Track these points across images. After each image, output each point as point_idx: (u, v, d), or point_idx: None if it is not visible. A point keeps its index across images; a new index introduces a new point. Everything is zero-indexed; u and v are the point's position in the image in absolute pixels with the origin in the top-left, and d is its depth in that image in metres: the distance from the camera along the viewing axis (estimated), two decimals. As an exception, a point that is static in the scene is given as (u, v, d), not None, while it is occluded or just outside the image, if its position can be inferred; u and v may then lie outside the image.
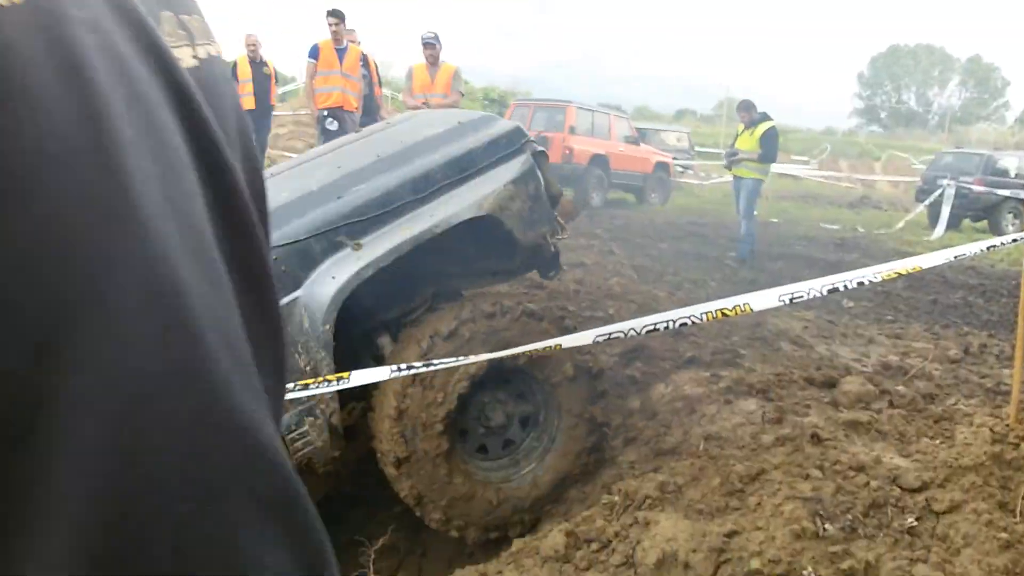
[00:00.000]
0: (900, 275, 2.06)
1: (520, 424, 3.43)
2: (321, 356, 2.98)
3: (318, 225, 3.09)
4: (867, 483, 2.31)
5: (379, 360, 3.41)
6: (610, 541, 2.38)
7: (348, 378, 2.22)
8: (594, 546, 2.38)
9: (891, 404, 2.92)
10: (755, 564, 2.16)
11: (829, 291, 1.82)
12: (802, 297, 1.83)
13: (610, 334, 1.99)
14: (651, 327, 1.93)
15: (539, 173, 3.48)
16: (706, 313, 1.88)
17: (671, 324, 1.94)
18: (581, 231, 10.52)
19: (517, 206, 3.33)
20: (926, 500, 2.27)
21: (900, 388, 3.19)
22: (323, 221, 3.10)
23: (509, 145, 3.45)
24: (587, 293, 5.40)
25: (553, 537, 2.45)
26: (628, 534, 2.38)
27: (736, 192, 9.95)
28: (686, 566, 2.22)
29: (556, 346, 2.18)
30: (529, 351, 2.28)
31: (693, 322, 1.92)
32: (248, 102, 10.80)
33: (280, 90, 16.50)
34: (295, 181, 3.54)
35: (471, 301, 3.35)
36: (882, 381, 3.16)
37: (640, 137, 16.85)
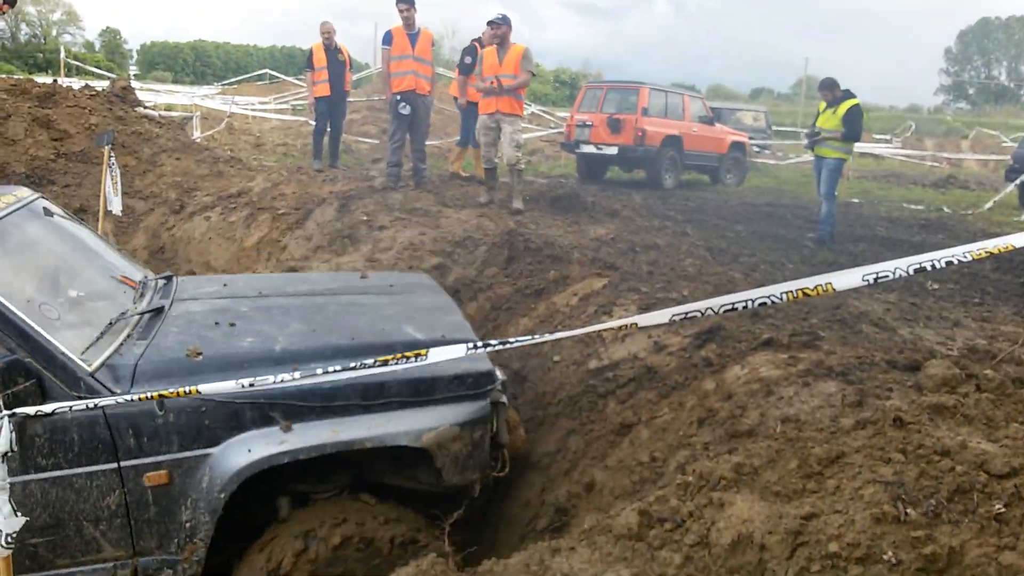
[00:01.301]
0: (990, 254, 1.98)
1: None
2: (204, 520, 2.97)
3: (260, 392, 3.01)
4: (952, 468, 2.24)
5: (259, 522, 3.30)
6: (684, 521, 2.37)
7: (426, 355, 2.27)
8: (667, 525, 2.38)
9: (978, 388, 2.81)
10: (833, 547, 2.13)
11: (916, 270, 1.77)
12: (887, 277, 1.79)
13: (687, 313, 1.98)
14: (729, 306, 1.92)
15: (493, 422, 3.38)
16: (786, 292, 1.85)
17: (750, 303, 1.92)
18: (654, 212, 10.42)
19: (456, 448, 3.23)
20: (1015, 486, 2.20)
21: (988, 372, 3.08)
22: (268, 392, 3.02)
23: (474, 386, 3.34)
24: (660, 275, 5.36)
25: (626, 516, 2.46)
26: (703, 514, 2.37)
27: (817, 172, 9.70)
28: (762, 548, 2.20)
29: (632, 325, 2.18)
30: (606, 328, 2.28)
31: (772, 302, 1.89)
32: (324, 89, 11.01)
33: (354, 76, 16.75)
34: (268, 323, 3.55)
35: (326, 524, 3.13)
36: (969, 365, 3.04)
37: (715, 117, 16.52)
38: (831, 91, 9.24)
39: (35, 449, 2.79)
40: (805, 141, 10.35)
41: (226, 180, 10.02)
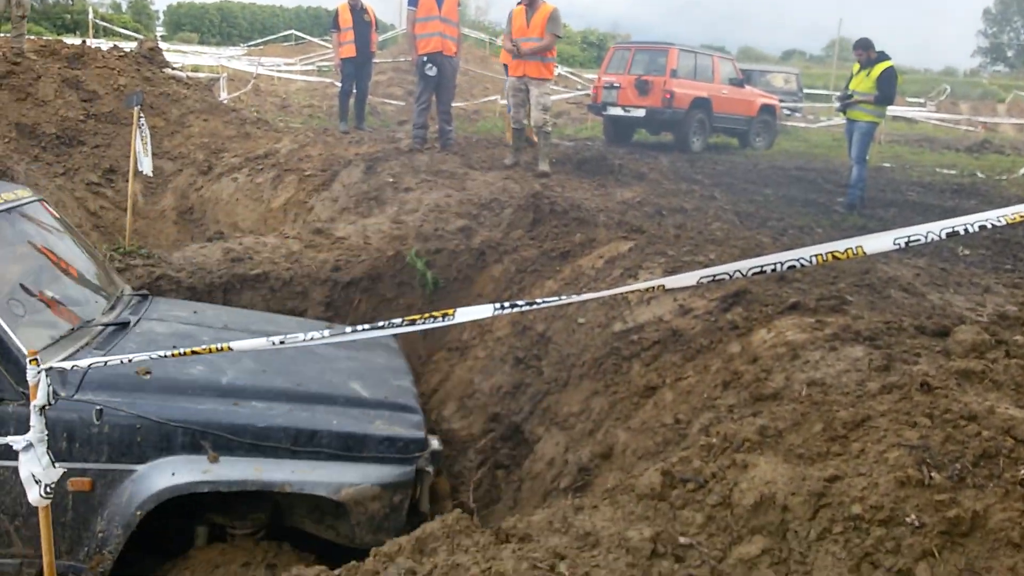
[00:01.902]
0: (1025, 219, 1.96)
1: None
2: (116, 534, 3.02)
3: (195, 420, 3.09)
4: (979, 433, 2.23)
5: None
6: (707, 482, 2.39)
7: (453, 315, 2.29)
8: (690, 486, 2.40)
9: (1007, 354, 2.79)
10: (856, 509, 2.14)
11: (948, 234, 1.75)
12: (919, 240, 1.77)
13: (715, 275, 1.98)
14: (757, 269, 1.91)
15: (416, 489, 3.39)
16: (816, 255, 1.83)
17: (778, 266, 1.91)
18: (682, 176, 10.32)
19: (373, 508, 3.24)
20: (1042, 452, 2.19)
21: (1018, 338, 3.04)
22: (201, 419, 3.10)
23: (403, 451, 3.36)
24: (688, 238, 5.33)
25: (649, 476, 2.48)
26: (725, 475, 2.39)
27: (848, 136, 9.56)
28: (784, 508, 2.21)
29: (661, 287, 2.18)
30: (631, 291, 2.29)
31: (801, 265, 1.88)
32: (349, 50, 10.96)
33: (380, 37, 16.64)
34: (223, 356, 3.52)
35: None
36: (999, 331, 3.01)
37: (745, 79, 16.25)
38: (866, 51, 9.05)
39: None
40: (837, 104, 10.17)
41: (253, 142, 10.06)
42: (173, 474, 3.02)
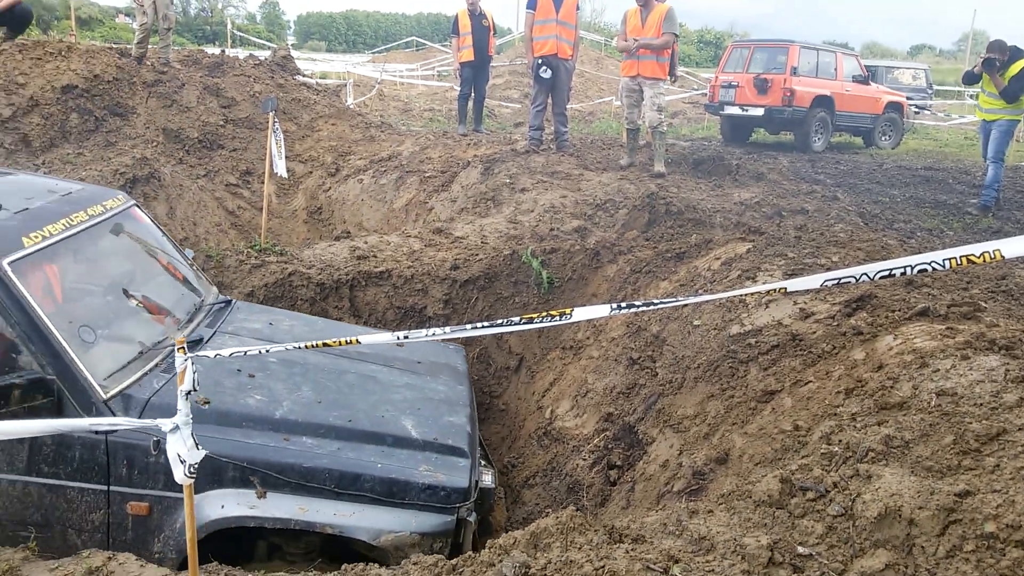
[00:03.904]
0: None
1: None
2: (171, 556, 3.12)
3: (246, 456, 3.16)
4: None
5: None
6: (828, 491, 2.34)
7: (570, 314, 2.33)
8: (810, 495, 2.35)
9: None
10: (990, 527, 2.05)
11: (1096, 238, 1.65)
12: (1063, 245, 1.68)
13: (840, 279, 1.94)
14: (885, 272, 1.85)
15: (459, 535, 3.35)
16: (949, 259, 1.76)
17: (908, 270, 1.85)
18: (802, 176, 10.00)
19: (411, 555, 3.14)
20: None
21: None
22: (252, 456, 3.18)
23: (446, 500, 3.32)
24: (809, 240, 5.18)
25: (767, 483, 2.45)
26: (848, 486, 2.33)
27: (984, 134, 9.04)
28: (911, 523, 2.14)
29: (782, 290, 2.16)
30: (754, 292, 2.27)
31: (932, 269, 1.82)
32: (468, 54, 11.19)
33: (497, 41, 16.89)
34: (281, 381, 3.67)
35: None
36: None
37: (870, 76, 15.58)
38: (1001, 53, 8.50)
39: (41, 456, 3.08)
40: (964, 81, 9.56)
41: (377, 144, 10.42)
42: (222, 507, 3.13)
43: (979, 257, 1.75)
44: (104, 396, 3.12)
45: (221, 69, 11.03)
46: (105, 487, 3.13)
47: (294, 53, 14.51)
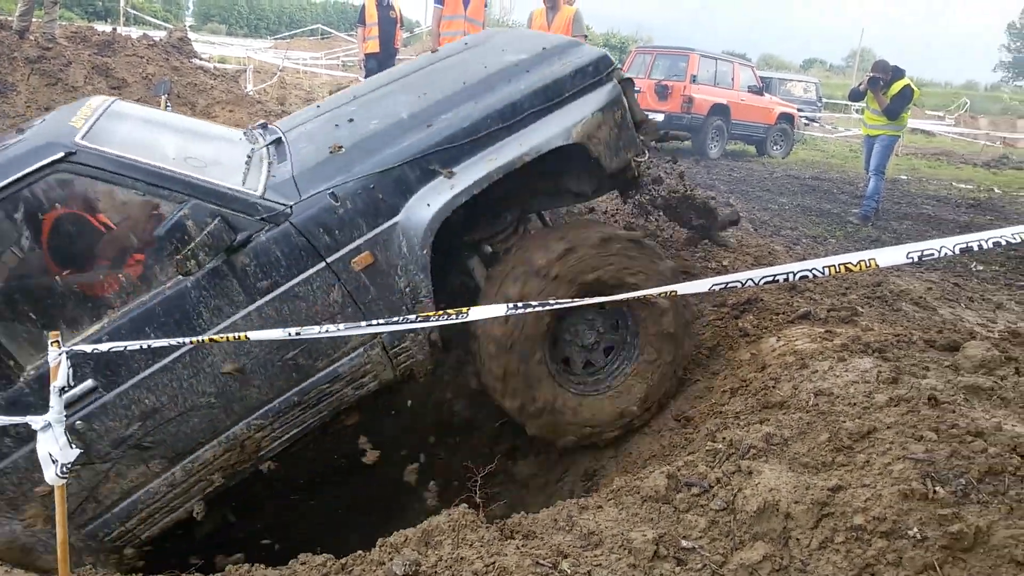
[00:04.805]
0: (1040, 237, 1.96)
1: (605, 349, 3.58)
2: (420, 279, 3.15)
3: (411, 153, 3.17)
4: (985, 449, 2.25)
5: (469, 281, 3.56)
6: (711, 486, 2.42)
7: (467, 312, 2.32)
8: (695, 490, 2.43)
9: (1017, 372, 2.79)
10: (858, 520, 2.16)
11: (962, 250, 1.75)
12: (932, 255, 1.76)
13: (727, 283, 2.00)
14: (770, 278, 1.92)
15: (624, 100, 3.45)
16: (828, 267, 1.84)
17: (791, 276, 1.92)
18: (698, 182, 10.31)
19: (604, 134, 3.33)
20: (1049, 471, 2.20)
21: (1030, 357, 3.05)
22: (416, 149, 3.18)
23: (596, 73, 3.41)
24: (701, 244, 5.34)
25: (654, 479, 2.51)
26: (730, 481, 2.41)
27: (867, 147, 9.54)
28: (787, 516, 2.24)
29: (672, 293, 2.21)
30: (644, 295, 2.31)
31: (814, 275, 1.89)
32: (374, 45, 11.01)
33: (404, 34, 16.71)
34: (381, 107, 3.64)
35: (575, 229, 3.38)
36: (1009, 348, 3.01)
37: (764, 87, 16.23)
38: (884, 73, 9.00)
39: (251, 278, 3.00)
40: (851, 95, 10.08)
41: (275, 133, 10.12)
42: (428, 204, 3.13)
43: (856, 265, 1.83)
44: (258, 194, 3.11)
45: (112, 48, 10.46)
46: (323, 262, 3.09)
47: (191, 35, 13.94)
